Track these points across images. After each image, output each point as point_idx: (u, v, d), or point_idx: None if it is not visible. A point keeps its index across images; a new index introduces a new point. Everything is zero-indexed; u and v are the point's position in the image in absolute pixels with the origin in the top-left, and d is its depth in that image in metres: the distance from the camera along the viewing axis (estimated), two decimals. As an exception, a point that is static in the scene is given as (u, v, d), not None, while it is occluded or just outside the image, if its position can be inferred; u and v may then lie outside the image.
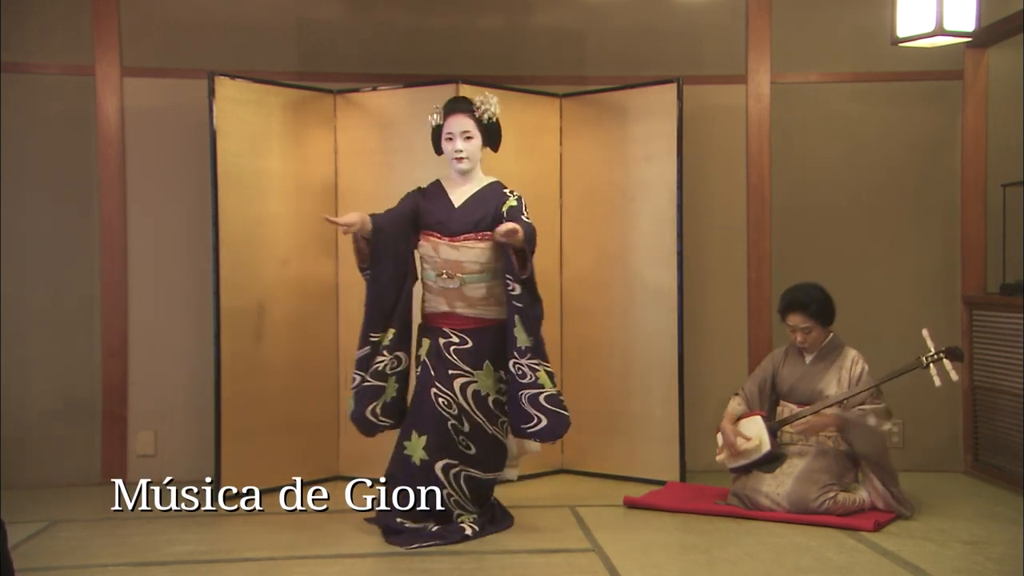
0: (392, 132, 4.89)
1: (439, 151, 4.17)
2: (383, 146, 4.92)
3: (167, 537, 4.04)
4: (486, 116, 4.07)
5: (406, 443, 4.03)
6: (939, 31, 4.22)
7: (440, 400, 4.00)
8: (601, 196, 5.07)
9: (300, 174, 4.91)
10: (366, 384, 4.05)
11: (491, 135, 4.12)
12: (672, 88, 4.83)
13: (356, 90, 4.99)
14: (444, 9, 5.27)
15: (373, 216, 4.05)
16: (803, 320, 4.43)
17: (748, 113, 5.25)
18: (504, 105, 4.78)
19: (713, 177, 5.25)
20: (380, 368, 4.06)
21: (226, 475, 4.59)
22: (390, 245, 4.05)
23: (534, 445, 4.20)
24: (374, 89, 4.97)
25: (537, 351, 3.96)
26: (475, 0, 5.28)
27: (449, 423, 3.99)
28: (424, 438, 3.99)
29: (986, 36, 4.97)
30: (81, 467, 5.02)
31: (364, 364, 4.06)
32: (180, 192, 5.04)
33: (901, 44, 4.43)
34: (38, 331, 5.01)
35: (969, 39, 4.45)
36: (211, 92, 4.55)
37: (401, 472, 4.02)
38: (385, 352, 4.06)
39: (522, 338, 3.94)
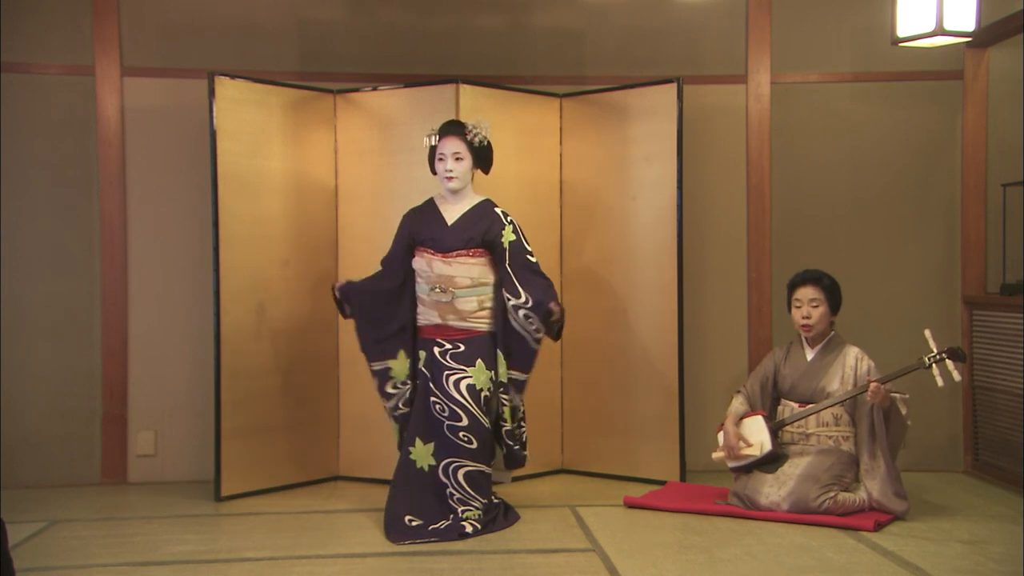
0: (392, 132, 4.89)
1: (434, 171, 4.31)
2: (383, 146, 4.92)
3: (167, 537, 4.04)
4: (477, 140, 4.25)
5: (411, 449, 4.19)
6: (939, 31, 4.23)
7: (436, 407, 4.16)
8: (601, 196, 5.07)
9: (300, 174, 4.91)
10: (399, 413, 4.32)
11: (482, 158, 4.29)
12: (672, 88, 4.83)
13: (356, 90, 4.99)
14: (444, 9, 5.27)
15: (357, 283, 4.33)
16: (814, 291, 4.46)
17: (748, 113, 5.25)
18: (504, 105, 4.80)
19: (713, 177, 5.25)
20: (409, 395, 4.32)
21: (226, 475, 4.59)
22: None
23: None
24: (374, 89, 4.97)
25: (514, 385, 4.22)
26: (475, 0, 5.29)
27: (446, 425, 4.12)
28: (432, 445, 4.15)
29: (986, 36, 4.97)
30: (81, 467, 5.02)
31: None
32: (180, 192, 5.05)
33: (901, 44, 4.43)
34: (38, 331, 5.00)
35: (969, 39, 4.45)
36: (211, 92, 4.56)
37: (406, 478, 4.16)
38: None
39: (502, 371, 4.19)
